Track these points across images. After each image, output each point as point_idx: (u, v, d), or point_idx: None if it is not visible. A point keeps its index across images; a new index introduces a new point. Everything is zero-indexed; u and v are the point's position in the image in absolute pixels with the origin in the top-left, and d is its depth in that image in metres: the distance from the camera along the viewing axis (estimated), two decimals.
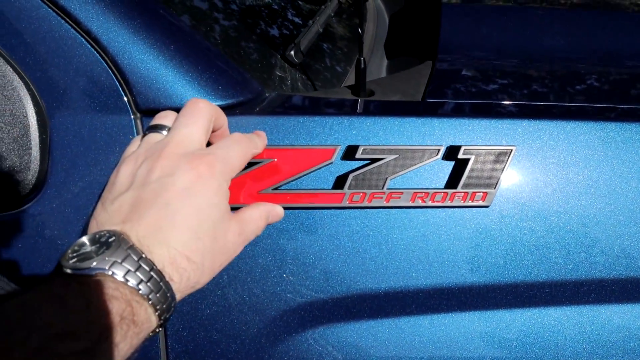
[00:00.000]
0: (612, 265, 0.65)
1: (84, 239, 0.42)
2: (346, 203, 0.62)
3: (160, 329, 0.43)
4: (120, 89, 0.63)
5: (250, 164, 0.60)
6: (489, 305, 0.66)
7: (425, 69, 0.85)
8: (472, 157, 0.62)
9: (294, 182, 0.62)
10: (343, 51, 1.06)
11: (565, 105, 0.73)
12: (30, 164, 0.62)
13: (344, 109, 0.69)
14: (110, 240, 0.41)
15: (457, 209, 0.64)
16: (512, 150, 0.63)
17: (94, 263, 0.39)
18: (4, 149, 0.62)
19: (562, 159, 0.65)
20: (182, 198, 0.45)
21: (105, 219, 0.45)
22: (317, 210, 0.63)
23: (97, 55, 0.62)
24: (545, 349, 0.66)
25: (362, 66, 0.72)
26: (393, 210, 0.64)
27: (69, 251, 0.41)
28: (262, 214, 0.54)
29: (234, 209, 0.56)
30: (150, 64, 0.63)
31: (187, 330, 0.65)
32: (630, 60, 0.97)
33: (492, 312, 0.66)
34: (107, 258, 0.39)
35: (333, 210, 0.63)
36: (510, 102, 0.73)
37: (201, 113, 0.51)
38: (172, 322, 0.65)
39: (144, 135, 0.53)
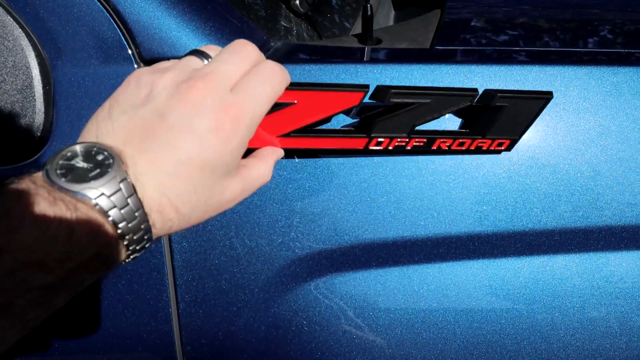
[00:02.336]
0: (622, 212, 0.65)
1: (78, 148, 0.39)
2: (368, 147, 0.59)
3: (129, 261, 0.41)
4: (122, 39, 0.62)
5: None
6: (497, 253, 0.66)
7: (433, 17, 0.83)
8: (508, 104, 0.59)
9: (314, 125, 0.58)
10: (351, 6, 1.03)
11: (577, 51, 0.71)
12: (35, 115, 0.62)
13: (351, 56, 0.67)
14: (107, 163, 0.38)
15: (472, 155, 0.63)
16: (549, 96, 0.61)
17: (83, 189, 0.37)
18: (8, 101, 0.62)
19: (573, 106, 0.63)
20: (193, 146, 0.41)
21: (108, 130, 0.41)
22: (334, 158, 0.62)
23: (98, 3, 0.61)
24: (554, 297, 0.66)
25: (369, 13, 0.70)
26: (401, 158, 0.63)
27: (59, 157, 0.38)
28: (270, 167, 0.51)
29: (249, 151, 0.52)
30: (152, 12, 0.61)
31: (196, 281, 0.66)
32: None
33: (500, 260, 0.66)
34: (97, 187, 0.37)
35: (351, 157, 0.62)
36: (521, 49, 0.71)
37: (247, 55, 0.47)
38: (182, 272, 0.65)
39: (185, 55, 0.48)
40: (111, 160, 0.38)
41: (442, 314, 0.66)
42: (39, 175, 0.37)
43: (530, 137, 0.63)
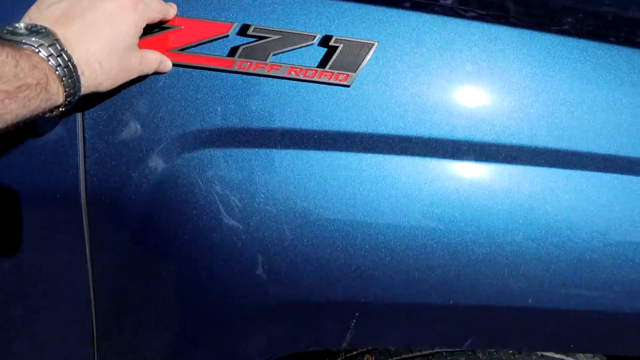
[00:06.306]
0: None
1: (19, 24, 0.56)
2: (235, 68, 0.81)
3: (63, 110, 0.61)
4: None
5: (163, 28, 0.77)
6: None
7: None
8: (341, 46, 0.81)
9: (196, 48, 0.80)
10: None
11: None
12: None
13: None
14: (41, 30, 0.56)
15: (323, 85, 0.83)
16: (374, 44, 0.82)
17: (26, 39, 0.55)
18: None
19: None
20: (105, 20, 0.61)
21: (38, 17, 0.60)
22: (210, 72, 0.82)
23: None
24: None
25: None
26: (269, 81, 0.83)
27: (5, 27, 0.55)
28: (157, 58, 0.73)
29: None
30: None
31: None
32: None
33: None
34: (36, 39, 0.55)
35: (224, 73, 0.82)
36: None
37: None
38: None
39: None
40: (44, 29, 0.57)
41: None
42: None
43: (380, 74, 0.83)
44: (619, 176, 0.93)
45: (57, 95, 0.59)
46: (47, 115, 0.62)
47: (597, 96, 0.90)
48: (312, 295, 0.91)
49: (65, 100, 0.60)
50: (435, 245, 0.89)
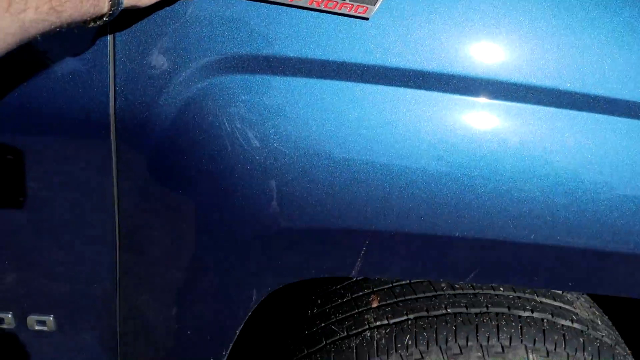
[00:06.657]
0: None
1: None
2: None
3: (106, 20, 0.67)
4: None
5: None
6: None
7: None
8: None
9: None
10: None
11: None
12: None
13: None
14: None
15: (343, 16, 0.86)
16: None
17: None
18: None
19: None
20: None
21: None
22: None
23: None
24: None
25: None
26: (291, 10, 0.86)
27: None
28: None
29: None
30: None
31: None
32: None
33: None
34: None
35: (248, 1, 0.85)
36: None
37: None
38: None
39: None
40: None
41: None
42: None
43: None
44: (626, 120, 0.97)
45: (103, 2, 0.64)
46: (91, 25, 0.67)
47: (608, 40, 0.93)
48: (325, 222, 0.96)
49: (110, 9, 0.66)
50: (443, 178, 0.94)
